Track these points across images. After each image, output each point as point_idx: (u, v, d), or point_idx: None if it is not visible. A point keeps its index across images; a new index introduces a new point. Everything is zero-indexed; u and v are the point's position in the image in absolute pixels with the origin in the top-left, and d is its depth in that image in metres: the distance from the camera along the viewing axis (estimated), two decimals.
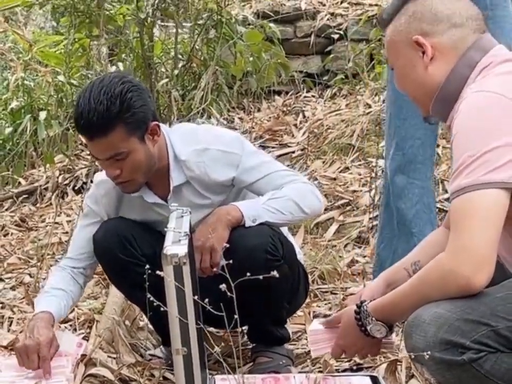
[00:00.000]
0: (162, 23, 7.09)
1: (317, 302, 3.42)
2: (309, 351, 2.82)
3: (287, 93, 6.62)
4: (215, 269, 2.54)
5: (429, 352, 1.75)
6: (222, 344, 2.92)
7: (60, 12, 6.84)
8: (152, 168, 2.66)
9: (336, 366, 2.70)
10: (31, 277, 4.09)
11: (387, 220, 3.24)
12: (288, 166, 5.01)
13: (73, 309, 3.41)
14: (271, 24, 6.38)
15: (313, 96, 6.46)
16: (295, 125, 5.79)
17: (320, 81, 6.61)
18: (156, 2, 6.33)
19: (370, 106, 5.44)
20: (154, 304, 2.08)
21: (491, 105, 1.83)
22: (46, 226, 4.96)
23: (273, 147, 5.47)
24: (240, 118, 6.17)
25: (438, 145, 4.01)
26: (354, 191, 4.54)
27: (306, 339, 3.02)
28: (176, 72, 6.34)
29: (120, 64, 6.39)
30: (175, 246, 2.17)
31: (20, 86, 6.25)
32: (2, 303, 3.69)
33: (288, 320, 2.88)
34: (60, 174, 5.63)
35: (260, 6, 6.89)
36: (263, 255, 2.56)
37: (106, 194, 2.80)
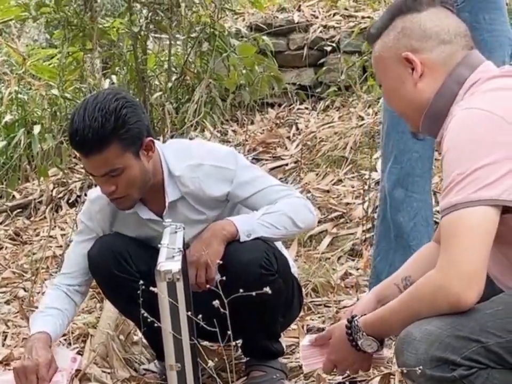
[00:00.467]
0: (156, 36, 7.11)
1: (311, 315, 3.43)
2: (302, 367, 2.84)
3: (280, 105, 6.63)
4: (209, 285, 2.55)
5: (420, 367, 1.76)
6: (216, 359, 2.93)
7: (54, 25, 6.85)
8: (147, 184, 2.67)
9: (329, 379, 2.71)
10: (25, 291, 4.09)
11: (384, 233, 3.25)
12: (281, 178, 5.05)
13: None
14: (264, 37, 6.41)
15: (306, 108, 6.48)
16: (288, 138, 5.80)
17: (313, 93, 6.62)
18: (149, 15, 6.35)
19: (363, 119, 5.45)
20: (149, 320, 2.10)
21: (480, 122, 1.84)
22: (40, 240, 4.96)
23: (266, 159, 5.49)
24: (234, 131, 6.18)
25: None
26: (348, 203, 4.55)
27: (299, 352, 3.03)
28: (169, 85, 6.36)
29: (113, 77, 6.40)
30: (168, 262, 2.19)
31: (13, 100, 6.25)
32: None
33: (282, 333, 2.89)
34: (54, 188, 5.63)
35: (253, 19, 6.92)
36: (257, 269, 2.57)
37: (101, 211, 2.81)
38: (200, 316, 2.05)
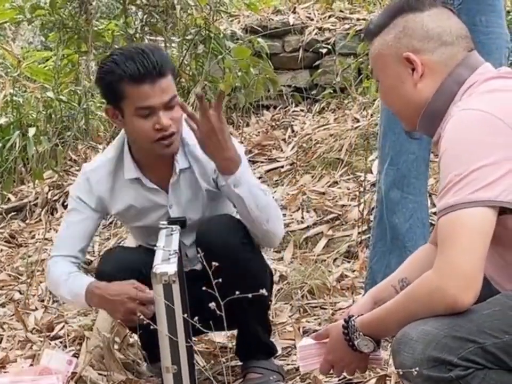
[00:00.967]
0: (151, 38, 7.11)
1: (307, 317, 3.43)
2: (299, 367, 2.84)
3: (275, 107, 6.63)
4: None
5: (417, 369, 1.76)
6: (212, 361, 2.93)
7: (49, 28, 6.84)
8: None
9: (325, 381, 2.71)
10: (20, 293, 4.09)
11: (380, 234, 3.25)
12: (277, 180, 5.06)
13: (63, 326, 3.42)
14: (260, 39, 6.40)
15: (301, 110, 6.48)
16: (284, 140, 5.80)
17: (309, 95, 6.62)
18: (144, 17, 6.36)
19: (358, 121, 5.45)
20: (145, 322, 2.10)
21: (478, 124, 1.85)
22: (36, 242, 4.96)
23: (262, 162, 5.48)
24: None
25: None
26: (343, 205, 4.55)
27: (296, 354, 3.03)
28: None
29: None
30: (164, 264, 2.19)
31: (8, 102, 6.24)
32: None
33: (278, 335, 2.90)
34: (49, 190, 5.62)
35: (248, 21, 6.92)
36: (237, 239, 2.64)
37: (101, 179, 2.81)
38: (196, 318, 2.05)
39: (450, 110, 1.96)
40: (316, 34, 6.70)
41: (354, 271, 3.92)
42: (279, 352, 3.04)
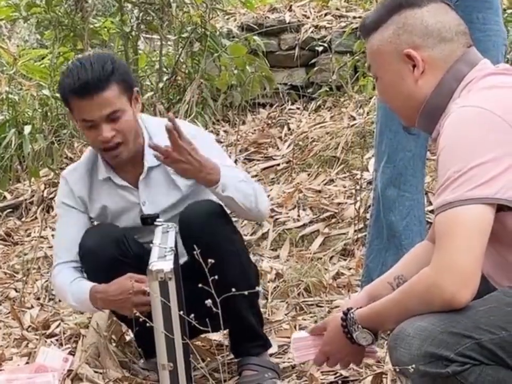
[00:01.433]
0: (147, 36, 7.10)
1: (303, 315, 3.43)
2: (295, 365, 2.84)
3: (271, 105, 6.62)
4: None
5: (413, 366, 1.76)
6: (209, 359, 2.93)
7: (44, 26, 6.83)
8: (136, 139, 2.77)
9: (322, 379, 2.71)
10: (16, 291, 4.09)
11: (377, 232, 3.25)
12: (273, 178, 5.06)
13: (59, 324, 3.41)
14: (255, 37, 6.41)
15: (297, 108, 6.47)
16: (280, 138, 5.80)
17: (305, 93, 6.62)
18: (140, 15, 6.35)
19: (354, 119, 5.45)
20: (141, 319, 2.09)
21: (476, 120, 1.84)
22: (32, 240, 4.95)
23: (258, 160, 5.48)
24: (225, 131, 6.17)
25: None
26: (339, 203, 4.55)
27: (291, 346, 3.03)
28: (161, 85, 6.35)
29: None
30: (160, 261, 2.19)
31: (4, 100, 6.24)
32: None
33: (274, 333, 2.90)
34: (45, 188, 5.61)
35: (244, 19, 6.91)
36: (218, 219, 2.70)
37: (80, 179, 2.87)
38: (192, 315, 2.05)
39: (449, 107, 1.95)
40: (312, 32, 6.69)
41: (350, 269, 3.92)
42: (275, 350, 3.04)
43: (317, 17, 6.91)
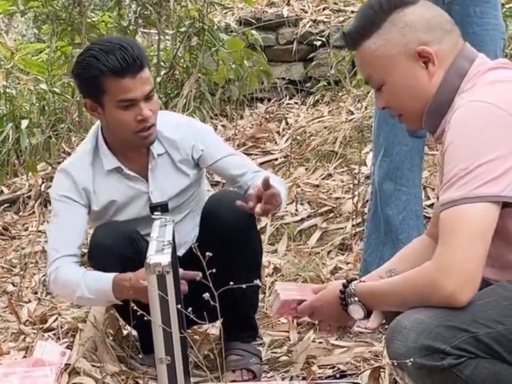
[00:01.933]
0: (145, 31, 7.09)
1: None
2: (292, 362, 2.85)
3: (269, 100, 6.62)
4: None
5: (411, 359, 1.76)
6: (206, 352, 2.93)
7: (42, 20, 6.82)
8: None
9: (319, 373, 2.71)
10: (14, 285, 4.08)
11: (374, 227, 3.25)
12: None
13: (57, 318, 3.41)
14: (253, 31, 6.40)
15: (295, 103, 6.47)
16: (278, 132, 5.80)
17: (303, 88, 6.62)
18: (138, 10, 6.34)
19: (352, 113, 5.44)
20: (138, 313, 2.09)
21: (483, 116, 1.83)
22: (29, 234, 4.95)
23: (256, 154, 5.48)
24: (223, 126, 6.17)
25: None
26: (337, 198, 4.55)
27: (289, 347, 3.03)
28: (158, 79, 6.35)
29: None
30: (158, 255, 2.18)
31: (1, 94, 6.22)
32: None
33: (272, 327, 2.90)
34: (42, 182, 5.60)
35: (242, 13, 6.91)
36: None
37: (82, 171, 2.84)
38: (190, 308, 2.04)
39: (454, 103, 1.93)
40: (310, 26, 6.69)
41: (348, 263, 3.92)
42: (272, 344, 3.04)
43: (315, 11, 6.90)
